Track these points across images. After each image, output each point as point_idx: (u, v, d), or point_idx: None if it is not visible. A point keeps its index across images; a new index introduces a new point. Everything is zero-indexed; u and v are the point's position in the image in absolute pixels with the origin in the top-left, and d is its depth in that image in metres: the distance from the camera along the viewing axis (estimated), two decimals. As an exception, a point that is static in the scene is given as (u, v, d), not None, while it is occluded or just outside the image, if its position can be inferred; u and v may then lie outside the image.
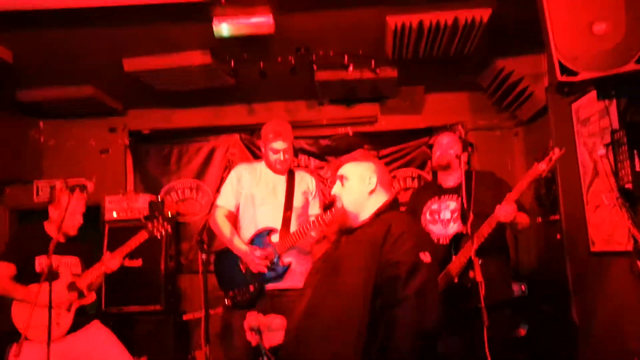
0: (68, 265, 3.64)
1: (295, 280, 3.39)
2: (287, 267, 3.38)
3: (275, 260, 3.36)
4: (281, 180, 3.57)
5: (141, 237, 3.76)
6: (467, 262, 3.05)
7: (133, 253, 4.86)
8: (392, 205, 2.27)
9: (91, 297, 3.64)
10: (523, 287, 4.38)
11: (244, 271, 3.37)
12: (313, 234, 3.34)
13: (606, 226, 3.51)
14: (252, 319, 2.12)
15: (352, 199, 2.27)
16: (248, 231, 3.49)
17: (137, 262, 4.97)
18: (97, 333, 3.67)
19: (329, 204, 3.52)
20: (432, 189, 3.55)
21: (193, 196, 5.76)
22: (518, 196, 3.08)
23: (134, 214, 5.12)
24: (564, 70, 2.41)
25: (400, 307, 1.90)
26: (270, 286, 3.37)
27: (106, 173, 5.68)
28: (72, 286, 3.56)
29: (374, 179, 2.28)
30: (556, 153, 2.99)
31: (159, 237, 3.82)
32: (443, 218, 3.40)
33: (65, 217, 3.49)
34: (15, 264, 3.48)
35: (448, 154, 3.42)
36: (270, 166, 3.56)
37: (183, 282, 5.55)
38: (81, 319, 3.59)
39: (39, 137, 5.80)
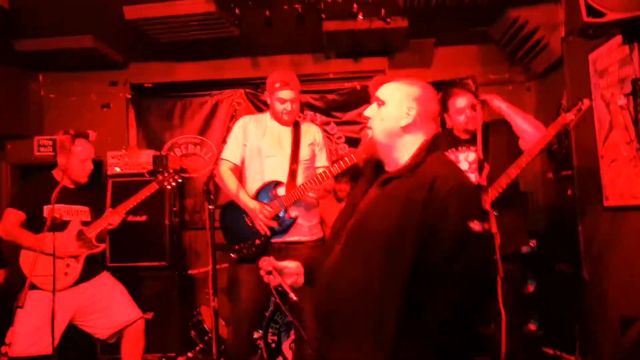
0: (78, 214, 3.61)
1: (301, 233, 3.35)
2: (293, 221, 3.31)
3: (281, 213, 3.30)
4: (287, 132, 3.47)
5: (151, 188, 3.70)
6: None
7: (137, 209, 4.87)
8: (431, 147, 1.89)
9: (100, 247, 3.59)
10: (532, 243, 4.33)
11: (250, 225, 3.31)
12: (311, 194, 3.30)
13: (622, 180, 3.43)
14: (265, 263, 2.01)
15: (384, 128, 1.89)
16: (254, 184, 3.42)
17: (142, 218, 4.94)
18: (105, 283, 3.66)
19: (337, 159, 3.45)
20: (449, 140, 3.45)
21: (197, 152, 5.68)
22: (544, 145, 3.05)
23: (137, 169, 5.05)
24: (590, 11, 2.29)
25: (442, 284, 1.64)
26: (276, 239, 3.32)
27: (108, 128, 5.61)
28: (80, 235, 3.52)
29: (414, 111, 1.87)
30: (586, 103, 2.94)
31: (169, 189, 3.75)
32: (461, 169, 3.32)
33: (75, 164, 3.51)
34: (25, 211, 3.48)
35: (474, 118, 3.24)
36: (276, 117, 3.46)
37: (187, 238, 5.53)
38: (91, 269, 3.56)
39: (39, 91, 5.70)
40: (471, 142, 3.35)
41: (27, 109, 5.59)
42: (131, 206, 3.69)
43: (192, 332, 4.75)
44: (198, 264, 5.35)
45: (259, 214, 3.24)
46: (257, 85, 5.57)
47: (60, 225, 3.46)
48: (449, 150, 3.41)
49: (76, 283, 3.48)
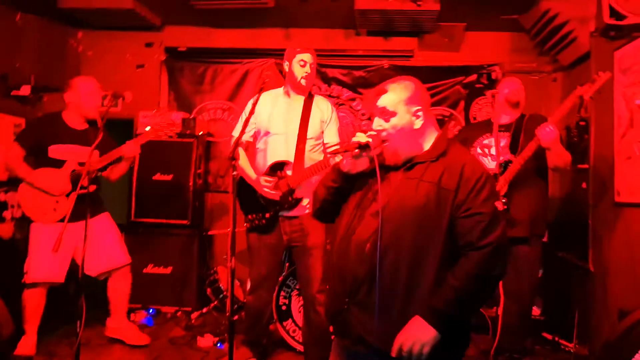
0: (77, 154, 3.77)
1: (300, 209, 3.47)
2: (298, 201, 3.44)
3: (287, 193, 3.42)
4: (298, 107, 3.53)
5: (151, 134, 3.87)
6: (509, 183, 3.25)
7: (164, 169, 5.08)
8: (449, 139, 2.05)
9: (90, 188, 3.59)
10: (544, 231, 4.43)
11: (260, 198, 3.48)
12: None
13: (634, 177, 3.50)
14: None
15: (403, 136, 1.99)
16: (258, 161, 3.57)
17: (168, 177, 5.14)
18: (102, 225, 3.91)
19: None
20: (487, 126, 3.62)
21: (224, 117, 5.83)
22: (558, 119, 3.15)
23: (166, 124, 5.20)
24: (613, 13, 2.36)
25: (477, 251, 1.87)
26: (282, 213, 3.49)
27: (141, 88, 5.74)
28: (73, 175, 3.72)
29: (421, 111, 2.01)
30: (602, 76, 2.97)
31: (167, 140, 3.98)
32: (493, 153, 3.47)
33: (83, 98, 3.77)
34: (27, 147, 3.72)
35: (519, 93, 3.53)
36: (294, 84, 3.52)
37: (210, 200, 5.72)
38: (90, 209, 3.65)
39: (77, 47, 5.87)
40: (506, 129, 3.52)
41: (64, 64, 5.75)
42: (145, 141, 3.84)
43: (208, 290, 4.97)
44: (218, 226, 5.55)
45: (262, 186, 3.42)
46: (287, 56, 5.70)
47: (57, 163, 3.70)
48: (485, 134, 3.59)
49: (70, 220, 3.62)
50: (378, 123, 2.02)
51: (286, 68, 3.57)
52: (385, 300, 1.89)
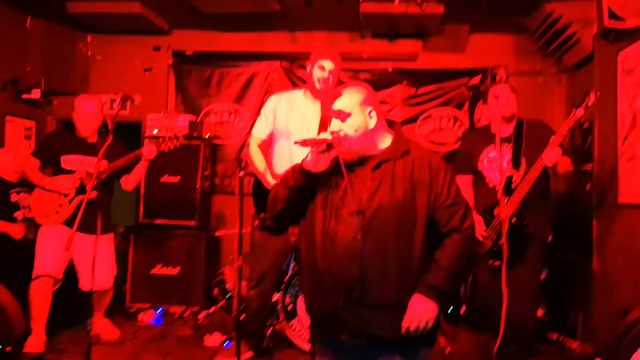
0: (87, 164, 3.94)
1: None
2: None
3: None
4: (316, 113, 3.52)
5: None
6: (520, 202, 3.26)
7: (172, 171, 5.15)
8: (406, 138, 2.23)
9: (92, 194, 3.67)
10: (548, 233, 4.45)
11: None
12: None
13: (637, 178, 3.53)
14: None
15: (359, 135, 2.12)
16: (281, 164, 3.52)
17: (175, 179, 5.21)
18: (102, 246, 3.91)
19: None
20: (489, 137, 3.51)
21: (231, 120, 5.89)
22: (560, 140, 3.20)
23: (173, 132, 5.25)
24: (612, 15, 2.40)
25: (460, 235, 2.09)
26: None
27: (149, 91, 5.78)
28: (80, 180, 3.90)
29: (374, 112, 2.15)
30: (591, 98, 3.05)
31: (166, 151, 4.08)
32: (504, 166, 3.48)
33: (78, 121, 3.96)
34: (39, 159, 3.95)
35: (512, 105, 3.50)
36: (312, 87, 3.53)
37: (216, 202, 5.78)
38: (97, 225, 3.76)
39: (86, 51, 5.96)
40: (508, 140, 3.49)
41: (74, 68, 5.85)
42: (165, 146, 4.03)
43: (215, 290, 5.02)
44: (224, 227, 5.61)
45: None
46: (293, 59, 5.75)
47: (67, 172, 3.92)
48: (490, 146, 3.51)
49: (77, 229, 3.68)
50: (336, 124, 2.15)
51: (308, 70, 3.58)
52: (381, 293, 2.03)
